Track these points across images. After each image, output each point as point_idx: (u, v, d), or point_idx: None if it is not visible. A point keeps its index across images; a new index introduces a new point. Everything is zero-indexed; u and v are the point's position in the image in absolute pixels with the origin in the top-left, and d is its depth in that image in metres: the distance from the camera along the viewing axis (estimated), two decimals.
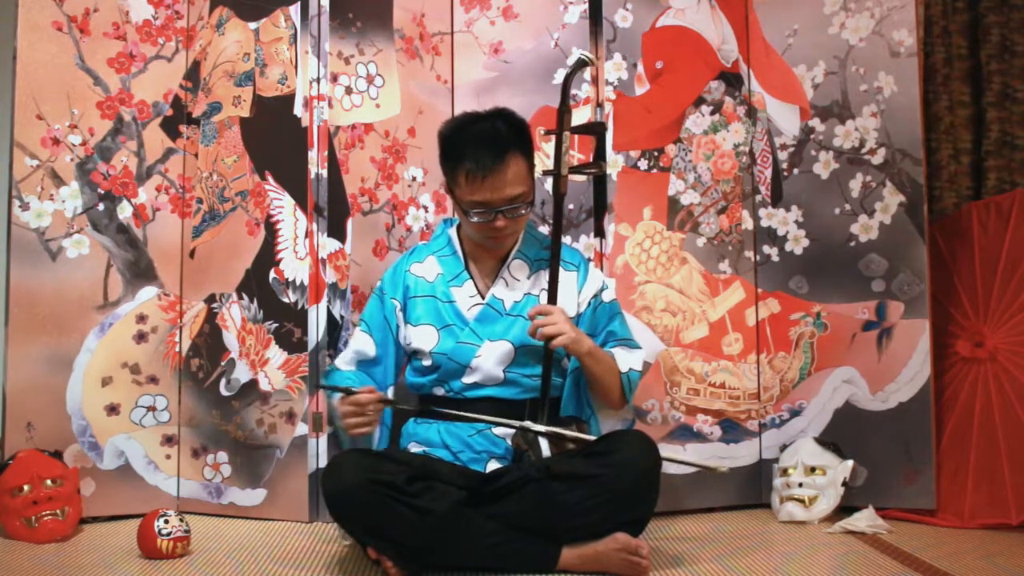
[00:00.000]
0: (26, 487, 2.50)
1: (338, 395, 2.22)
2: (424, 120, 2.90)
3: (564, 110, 2.36)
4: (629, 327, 2.51)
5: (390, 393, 2.41)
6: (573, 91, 2.80)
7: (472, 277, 2.43)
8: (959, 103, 3.16)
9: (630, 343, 2.45)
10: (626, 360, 2.39)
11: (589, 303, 2.43)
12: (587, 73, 2.80)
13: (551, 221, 2.51)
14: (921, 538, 2.52)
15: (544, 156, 2.74)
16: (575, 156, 2.79)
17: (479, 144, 2.25)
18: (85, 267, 2.74)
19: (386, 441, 2.41)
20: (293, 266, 2.72)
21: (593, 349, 2.32)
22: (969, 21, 3.16)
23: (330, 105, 2.73)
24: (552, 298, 2.34)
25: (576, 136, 2.77)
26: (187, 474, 2.81)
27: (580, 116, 2.78)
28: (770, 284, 2.91)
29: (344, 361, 2.45)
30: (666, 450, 2.41)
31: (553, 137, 2.37)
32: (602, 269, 2.73)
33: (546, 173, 2.41)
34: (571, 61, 2.76)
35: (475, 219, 2.30)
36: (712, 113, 2.91)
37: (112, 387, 2.76)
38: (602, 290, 2.45)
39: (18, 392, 2.65)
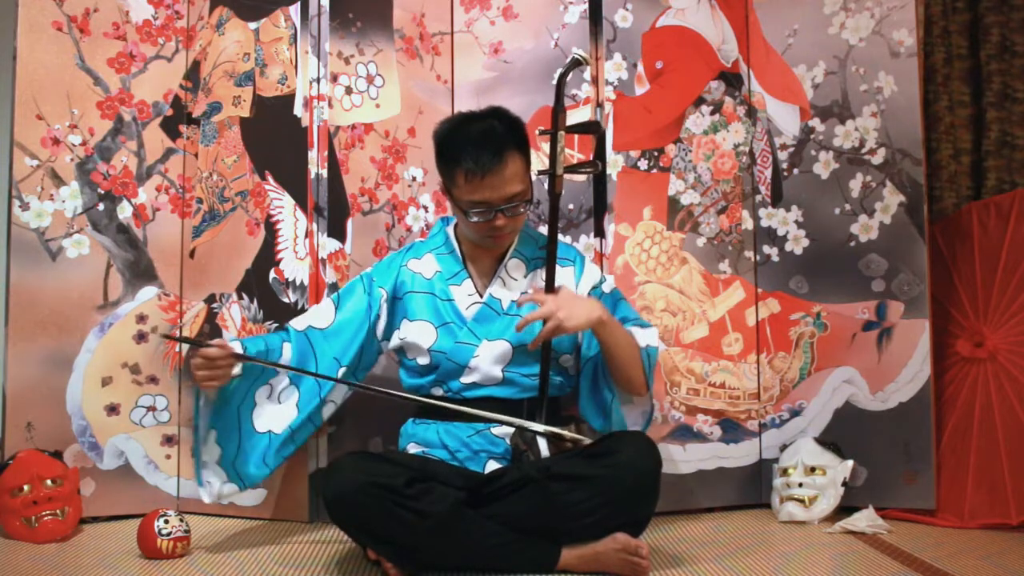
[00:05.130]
0: (26, 487, 2.50)
1: (188, 347, 2.20)
2: (424, 120, 2.90)
3: (558, 109, 2.35)
4: (636, 310, 2.50)
5: (340, 373, 2.38)
6: (573, 91, 2.80)
7: (470, 276, 2.43)
8: (959, 103, 3.15)
9: (641, 322, 2.44)
10: (643, 336, 2.37)
11: (589, 294, 2.42)
12: (587, 73, 2.80)
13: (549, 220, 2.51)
14: (921, 538, 2.52)
15: (544, 156, 2.74)
16: (574, 156, 2.79)
17: (477, 144, 2.25)
18: (85, 267, 2.74)
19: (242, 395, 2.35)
20: (293, 266, 2.72)
21: (605, 317, 2.25)
22: (969, 21, 3.16)
23: (330, 105, 2.73)
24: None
25: (576, 136, 2.78)
26: (187, 474, 2.80)
27: (580, 116, 2.78)
28: (770, 284, 2.91)
29: (297, 322, 2.44)
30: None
31: (549, 137, 2.37)
32: (602, 269, 2.73)
33: (541, 173, 2.41)
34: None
35: (475, 219, 2.30)
36: (712, 113, 2.91)
37: (112, 387, 2.76)
38: (601, 282, 2.46)
39: (18, 392, 2.65)
